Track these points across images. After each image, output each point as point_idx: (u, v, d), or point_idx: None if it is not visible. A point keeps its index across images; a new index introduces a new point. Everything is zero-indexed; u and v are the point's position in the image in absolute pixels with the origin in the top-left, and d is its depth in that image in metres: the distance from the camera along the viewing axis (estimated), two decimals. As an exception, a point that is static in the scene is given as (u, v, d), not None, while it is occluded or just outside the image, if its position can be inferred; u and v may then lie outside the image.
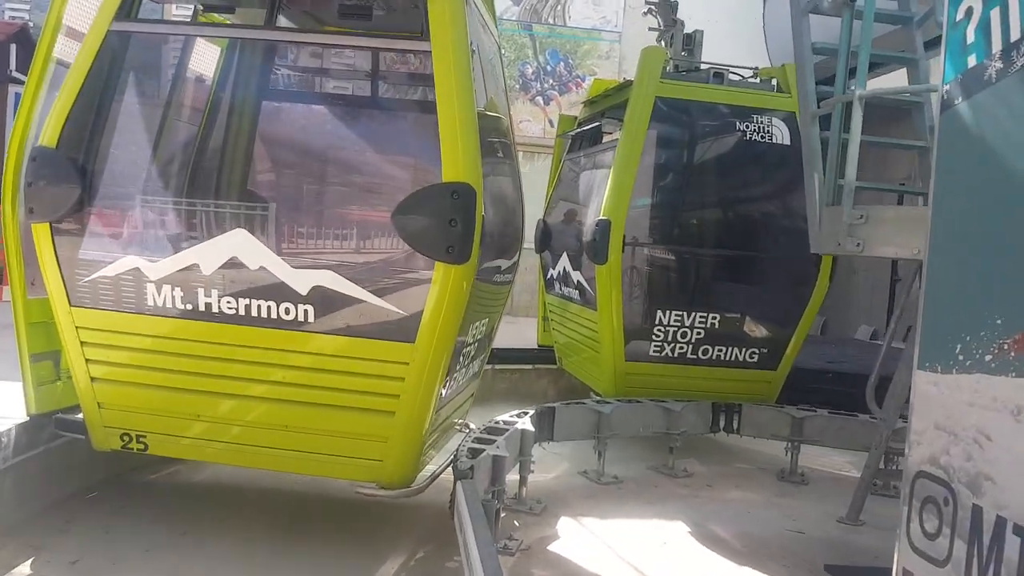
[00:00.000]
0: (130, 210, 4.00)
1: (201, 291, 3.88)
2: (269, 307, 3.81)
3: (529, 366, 7.89)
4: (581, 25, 13.53)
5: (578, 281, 6.63)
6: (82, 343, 4.09)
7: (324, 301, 3.76)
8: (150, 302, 3.96)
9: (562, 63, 13.45)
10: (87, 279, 4.01)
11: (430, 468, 4.24)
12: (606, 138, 7.02)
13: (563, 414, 5.15)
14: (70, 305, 4.03)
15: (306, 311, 3.78)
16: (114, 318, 4.02)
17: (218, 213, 3.97)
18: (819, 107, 4.42)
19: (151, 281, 3.93)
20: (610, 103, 6.73)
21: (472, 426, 5.09)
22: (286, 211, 3.92)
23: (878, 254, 3.86)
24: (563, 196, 7.58)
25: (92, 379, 4.12)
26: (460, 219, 3.53)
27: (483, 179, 3.81)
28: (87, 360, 4.10)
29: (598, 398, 5.69)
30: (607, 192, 5.94)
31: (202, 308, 3.90)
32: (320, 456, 3.92)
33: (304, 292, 3.76)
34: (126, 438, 4.17)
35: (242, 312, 3.85)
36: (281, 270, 3.78)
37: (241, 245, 3.80)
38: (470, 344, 4.32)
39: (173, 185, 4.03)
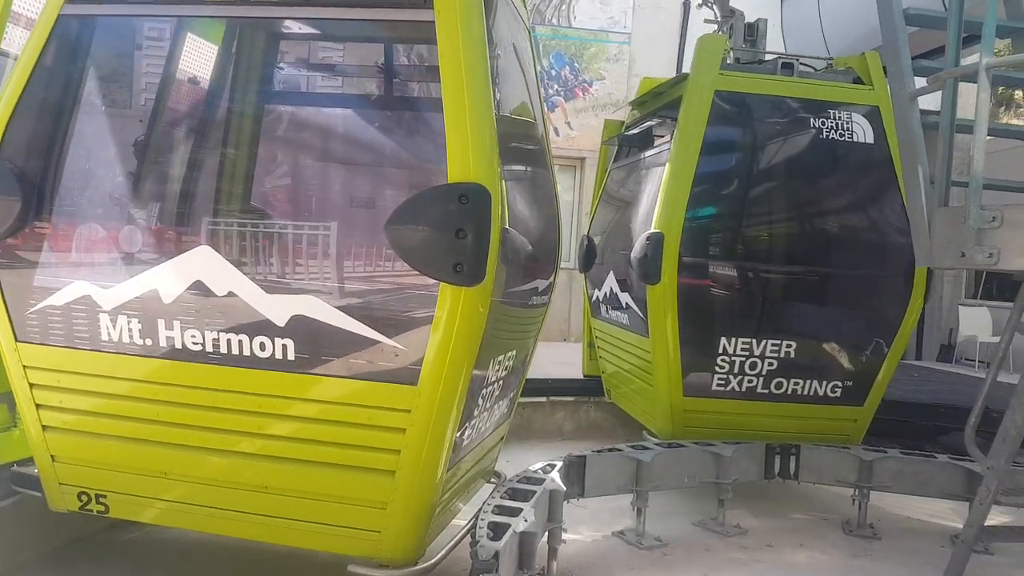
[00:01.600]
0: (79, 226, 3.33)
1: (162, 323, 3.19)
2: (240, 342, 3.10)
3: (543, 399, 7.05)
4: (587, 26, 12.57)
5: (627, 303, 5.80)
6: (31, 385, 3.45)
7: (306, 334, 3.03)
8: (104, 336, 3.29)
9: (567, 67, 12.52)
10: (33, 309, 3.36)
11: (445, 536, 3.46)
12: (658, 143, 6.20)
13: (596, 465, 4.31)
14: (16, 340, 3.41)
15: (284, 347, 3.05)
16: (65, 356, 3.37)
17: (179, 228, 3.26)
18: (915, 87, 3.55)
19: (104, 311, 3.26)
20: (661, 102, 5.92)
21: (502, 475, 4.32)
22: (258, 224, 3.20)
23: (1018, 267, 2.95)
24: (609, 209, 6.77)
25: (44, 427, 3.49)
26: (471, 229, 2.77)
27: (503, 182, 3.06)
28: (37, 405, 3.47)
29: (637, 442, 4.79)
30: (659, 201, 5.12)
31: (163, 344, 3.21)
32: (305, 525, 3.18)
33: (281, 323, 3.04)
34: (84, 498, 3.51)
35: (209, 348, 3.15)
36: (253, 296, 3.07)
37: (206, 266, 3.09)
38: (493, 382, 3.54)
39: (127, 195, 3.35)
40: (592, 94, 12.46)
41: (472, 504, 3.82)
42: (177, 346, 3.19)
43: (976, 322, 11.68)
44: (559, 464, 4.03)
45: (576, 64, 12.45)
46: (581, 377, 7.36)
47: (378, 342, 2.95)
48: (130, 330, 3.24)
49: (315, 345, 3.03)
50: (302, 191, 3.42)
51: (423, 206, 2.81)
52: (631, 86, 11.93)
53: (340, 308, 2.98)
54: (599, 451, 4.40)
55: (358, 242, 3.14)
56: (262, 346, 3.08)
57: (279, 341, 3.05)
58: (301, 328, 3.03)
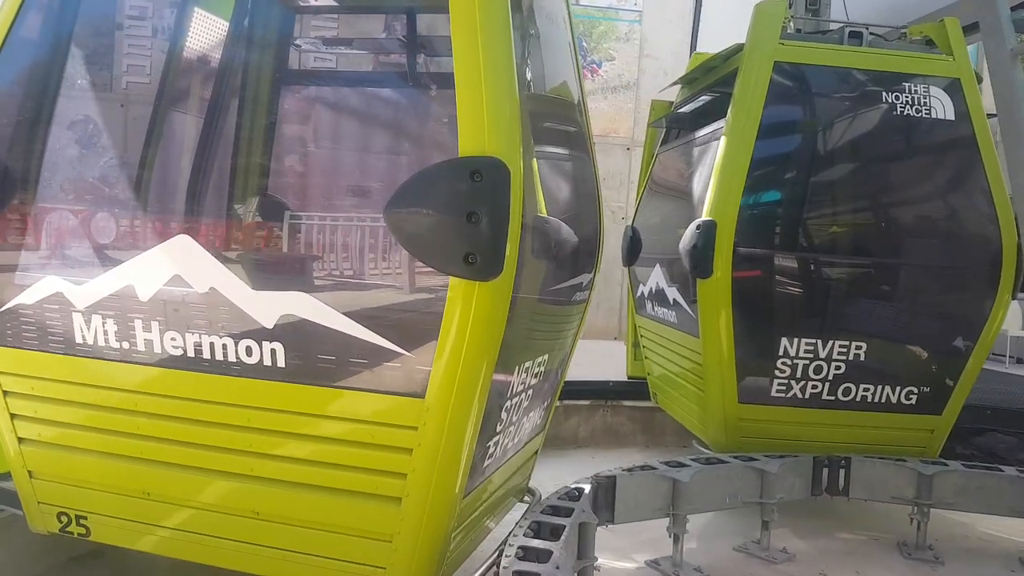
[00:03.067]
0: (49, 214, 2.95)
1: (139, 324, 2.79)
2: (225, 347, 2.68)
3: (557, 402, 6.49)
4: (596, 3, 11.79)
5: (674, 300, 5.27)
6: (4, 393, 3.09)
7: (296, 336, 2.60)
8: (78, 339, 2.91)
9: (576, 47, 11.76)
10: (4, 308, 2.99)
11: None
12: (711, 123, 5.63)
13: (628, 487, 3.76)
14: (-14, 342, 3.04)
15: (273, 351, 2.63)
16: (39, 361, 3.01)
17: (155, 215, 2.85)
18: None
19: (77, 311, 2.88)
20: (714, 77, 5.37)
21: (537, 492, 3.86)
22: (241, 211, 2.78)
23: None
24: (656, 196, 6.23)
25: (20, 440, 3.13)
26: (485, 212, 2.30)
27: (535, 162, 2.60)
28: (12, 415, 3.12)
29: (664, 453, 4.23)
30: (712, 186, 4.58)
31: (141, 348, 2.82)
32: (300, 557, 2.75)
33: (270, 324, 2.62)
34: (64, 519, 3.15)
35: (191, 353, 2.75)
36: (237, 293, 2.65)
37: (185, 258, 2.68)
38: (520, 391, 3.07)
39: (99, 180, 2.95)
40: (601, 76, 11.71)
41: (503, 524, 3.37)
42: (156, 351, 2.80)
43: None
44: (587, 488, 3.51)
45: (584, 44, 11.75)
46: (596, 379, 6.82)
47: (379, 347, 2.50)
48: (105, 332, 2.85)
49: (307, 350, 2.60)
50: (290, 173, 2.98)
51: (427, 185, 2.34)
52: (642, 68, 11.28)
53: (334, 306, 2.53)
54: (630, 470, 3.86)
55: (355, 230, 2.69)
56: (248, 351, 2.66)
57: (267, 345, 2.63)
58: (291, 329, 2.60)
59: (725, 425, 4.69)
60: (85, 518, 3.10)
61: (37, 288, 2.92)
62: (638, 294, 6.19)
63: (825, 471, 4.55)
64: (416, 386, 2.48)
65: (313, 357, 2.59)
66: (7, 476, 3.34)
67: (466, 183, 2.29)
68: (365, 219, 2.67)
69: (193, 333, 2.72)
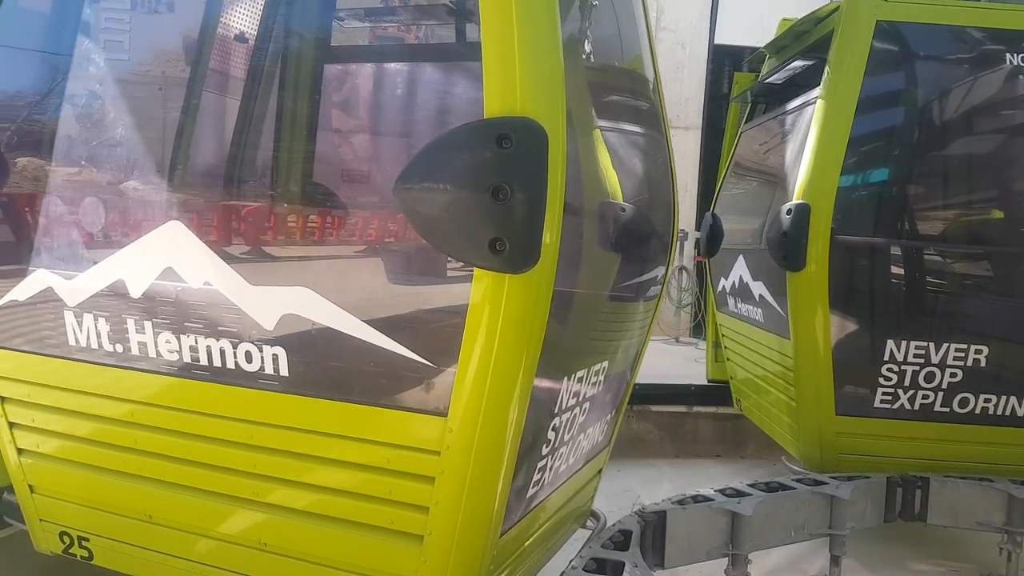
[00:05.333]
0: (38, 197, 2.62)
1: (131, 324, 2.43)
2: (222, 351, 2.29)
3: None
4: None
5: (761, 295, 4.68)
6: (2, 399, 2.79)
7: (300, 340, 2.19)
8: (71, 340, 2.58)
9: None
10: (-2, 305, 2.69)
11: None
12: (803, 95, 5.00)
13: (679, 523, 3.16)
14: (-18, 344, 2.75)
15: (275, 357, 2.22)
16: (34, 364, 2.70)
17: (145, 199, 2.48)
18: None
19: (69, 308, 2.54)
20: (806, 42, 4.74)
21: (601, 516, 3.39)
22: (237, 192, 2.38)
23: None
24: (740, 179, 5.62)
25: (19, 451, 2.83)
26: (516, 185, 1.82)
27: (586, 130, 2.12)
28: (10, 424, 2.82)
29: (732, 487, 3.62)
30: (805, 165, 3.99)
31: (135, 351, 2.46)
32: (310, 599, 2.34)
33: (270, 325, 2.21)
34: (66, 539, 2.85)
35: (186, 358, 2.37)
36: (235, 288, 2.25)
37: (177, 248, 2.30)
38: (573, 405, 2.59)
39: (86, 157, 2.60)
40: None
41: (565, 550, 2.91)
42: (151, 354, 2.44)
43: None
44: (633, 529, 2.96)
45: (596, 17, 10.96)
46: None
47: (392, 352, 2.06)
48: (98, 333, 2.51)
49: (311, 356, 2.19)
50: (289, 149, 2.56)
51: (444, 155, 1.88)
52: (659, 40, 10.49)
53: (341, 304, 2.10)
54: (681, 502, 3.28)
55: (366, 212, 2.26)
56: (248, 357, 2.26)
57: (268, 350, 2.23)
58: (294, 332, 2.19)
59: (820, 440, 4.10)
60: (87, 539, 2.79)
61: (28, 283, 2.61)
62: (719, 289, 5.60)
63: (899, 491, 3.90)
64: (437, 402, 2.03)
65: (317, 364, 2.18)
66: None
67: (491, 150, 1.82)
68: (377, 197, 2.24)
69: (189, 335, 2.34)
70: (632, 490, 4.87)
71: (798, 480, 3.70)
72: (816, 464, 4.14)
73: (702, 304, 8.60)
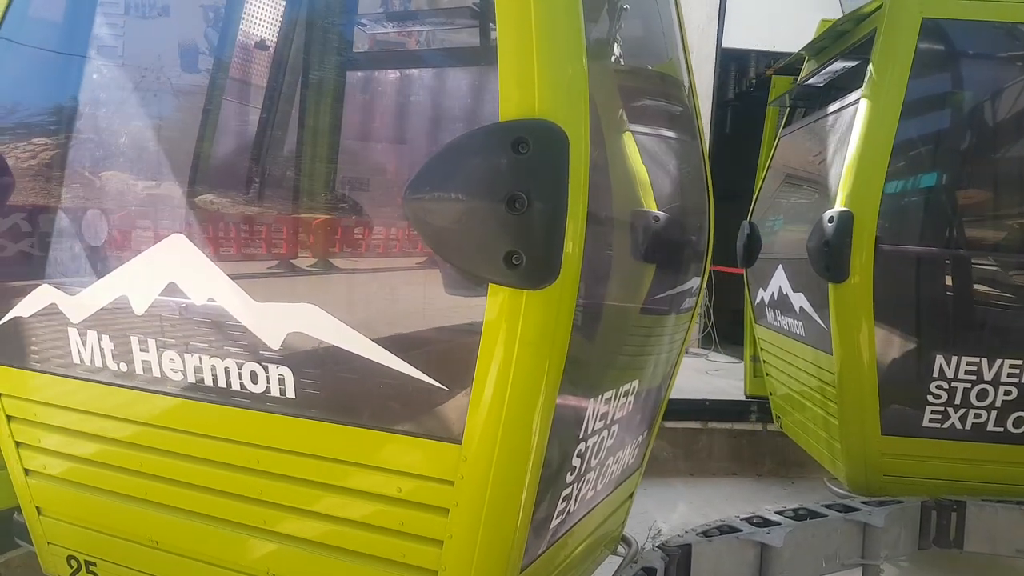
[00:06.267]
0: (42, 210, 2.53)
1: (135, 342, 2.32)
2: (227, 371, 2.17)
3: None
4: None
5: (801, 308, 4.47)
6: (8, 417, 2.70)
7: (306, 360, 2.06)
8: (75, 358, 2.47)
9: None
10: (3, 320, 2.60)
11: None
12: (844, 97, 4.78)
13: (705, 558, 2.96)
14: (-12, 361, 2.67)
15: (281, 378, 2.09)
16: (40, 382, 2.60)
17: (148, 211, 2.37)
18: None
19: (72, 325, 2.44)
20: (847, 43, 4.53)
21: (633, 542, 3.21)
22: (242, 201, 2.26)
23: None
24: (779, 186, 5.41)
25: (26, 472, 2.73)
26: (534, 193, 1.67)
27: (616, 136, 1.97)
28: (17, 443, 2.72)
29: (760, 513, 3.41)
30: (848, 171, 3.79)
31: (139, 371, 2.35)
32: (319, 636, 2.20)
33: (276, 344, 2.08)
34: (74, 563, 2.75)
35: (191, 379, 2.25)
36: (239, 304, 2.13)
37: (179, 262, 2.18)
38: (599, 429, 2.42)
39: (89, 166, 2.50)
40: None
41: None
42: (155, 374, 2.32)
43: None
44: (657, 566, 2.77)
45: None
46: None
47: (402, 374, 1.92)
48: (101, 351, 2.41)
49: (317, 377, 2.05)
50: (297, 156, 2.43)
51: (455, 161, 1.74)
52: None
53: (349, 322, 1.97)
54: (706, 532, 3.08)
55: (376, 223, 2.12)
56: (253, 377, 2.13)
57: (274, 370, 2.10)
58: (301, 351, 2.06)
59: (864, 461, 3.89)
60: (95, 564, 2.69)
61: (32, 299, 2.51)
62: (757, 300, 5.39)
63: (933, 514, 3.69)
64: (450, 428, 1.88)
65: (325, 386, 2.04)
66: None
67: (507, 156, 1.67)
68: (386, 208, 2.10)
69: (193, 354, 2.23)
70: (647, 512, 4.69)
71: (827, 506, 3.50)
72: (861, 486, 3.92)
73: (711, 314, 8.37)
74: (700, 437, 5.79)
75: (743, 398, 5.99)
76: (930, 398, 3.80)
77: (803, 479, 5.65)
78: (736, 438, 5.83)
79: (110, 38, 2.45)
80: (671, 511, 4.87)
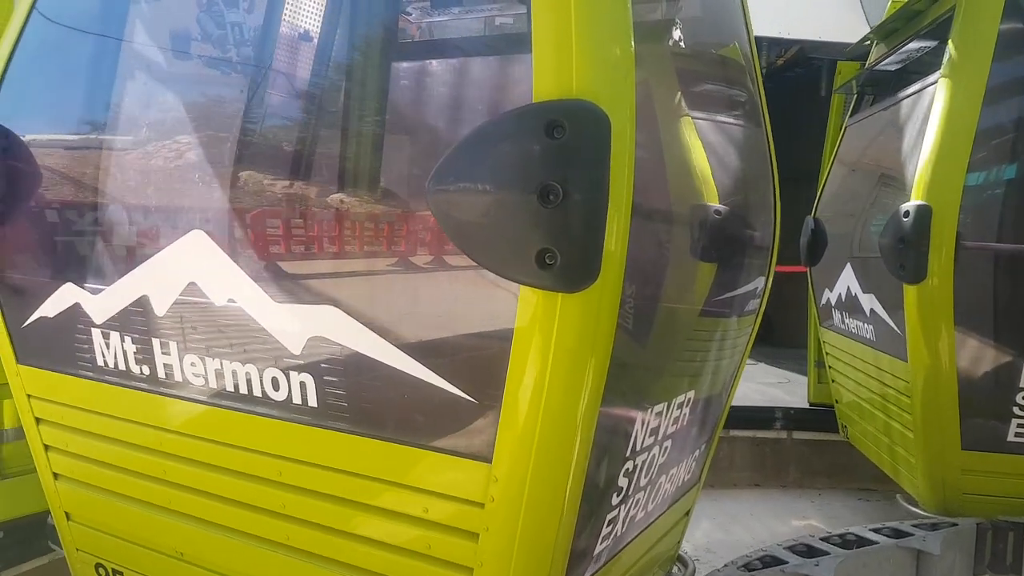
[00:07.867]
0: (65, 206, 2.44)
1: (156, 345, 2.21)
2: (248, 377, 2.03)
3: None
4: None
5: (872, 310, 4.17)
6: (37, 420, 2.63)
7: (328, 366, 1.91)
8: (99, 360, 2.38)
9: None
10: (29, 321, 2.53)
11: None
12: (919, 82, 4.46)
13: None
14: (17, 362, 2.61)
15: (303, 385, 1.94)
16: (66, 384, 2.52)
17: (166, 206, 2.25)
18: None
19: (96, 326, 2.35)
20: (922, 24, 4.22)
21: (689, 561, 3.01)
22: (264, 198, 2.12)
23: None
24: (846, 178, 5.09)
25: (55, 475, 2.66)
26: (571, 184, 1.48)
27: (672, 124, 1.77)
28: (45, 446, 2.65)
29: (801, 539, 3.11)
30: (924, 161, 3.50)
31: (162, 375, 2.23)
32: (343, 662, 2.05)
33: (297, 349, 1.93)
34: (102, 571, 2.67)
35: (212, 384, 2.12)
36: (260, 306, 1.99)
37: (200, 261, 2.06)
38: (651, 444, 2.22)
39: (110, 165, 2.39)
40: None
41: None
42: (177, 379, 2.20)
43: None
44: None
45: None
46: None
47: (428, 384, 1.75)
48: (124, 353, 2.30)
49: (340, 386, 1.90)
50: (318, 153, 2.27)
51: (483, 148, 1.55)
52: None
53: (372, 327, 1.81)
54: (748, 565, 2.82)
55: (401, 221, 1.96)
56: (275, 384, 1.99)
57: (296, 377, 1.95)
58: (322, 357, 1.91)
59: (942, 478, 3.60)
60: (122, 574, 2.59)
61: (56, 299, 2.43)
62: (822, 302, 5.09)
63: (989, 535, 3.41)
64: (479, 444, 1.71)
65: (345, 394, 1.88)
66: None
67: (540, 142, 1.49)
68: (411, 204, 1.94)
69: (215, 359, 2.10)
70: (670, 530, 4.42)
71: (874, 530, 3.23)
72: (937, 505, 3.64)
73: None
74: (721, 446, 5.49)
75: (765, 404, 5.72)
76: (1016, 410, 3.50)
77: (831, 490, 5.31)
78: (759, 447, 5.53)
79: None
80: (694, 527, 4.59)
